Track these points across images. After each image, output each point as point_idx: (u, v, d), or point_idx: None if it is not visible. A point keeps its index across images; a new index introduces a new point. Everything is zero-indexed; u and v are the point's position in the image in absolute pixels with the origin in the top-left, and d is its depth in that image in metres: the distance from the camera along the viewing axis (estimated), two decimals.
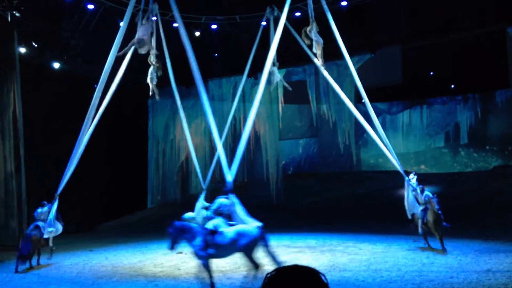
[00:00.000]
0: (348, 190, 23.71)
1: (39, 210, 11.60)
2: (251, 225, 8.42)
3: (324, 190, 23.77)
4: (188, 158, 26.22)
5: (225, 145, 25.92)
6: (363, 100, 12.94)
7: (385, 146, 12.78)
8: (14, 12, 15.31)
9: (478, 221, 16.07)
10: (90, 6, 17.60)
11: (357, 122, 26.05)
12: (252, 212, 20.98)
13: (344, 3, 17.99)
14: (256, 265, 8.03)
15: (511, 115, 23.49)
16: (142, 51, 12.09)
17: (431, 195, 11.57)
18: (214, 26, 19.52)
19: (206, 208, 14.10)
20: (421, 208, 11.72)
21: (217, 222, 8.41)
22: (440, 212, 11.16)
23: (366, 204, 21.06)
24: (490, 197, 19.10)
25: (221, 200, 9.11)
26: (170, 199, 26.08)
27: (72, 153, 11.51)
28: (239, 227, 8.25)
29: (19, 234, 14.72)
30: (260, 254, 8.24)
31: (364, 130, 26.93)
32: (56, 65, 19.03)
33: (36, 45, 17.87)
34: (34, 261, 11.37)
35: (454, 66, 23.44)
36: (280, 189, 24.30)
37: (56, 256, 12.36)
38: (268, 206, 22.63)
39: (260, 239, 8.03)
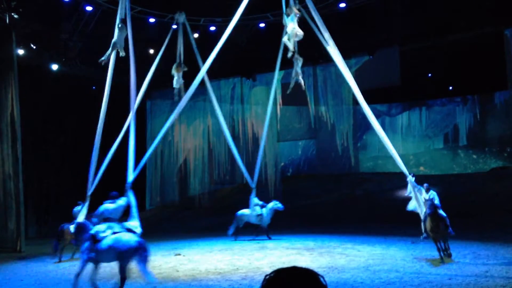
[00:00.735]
0: (347, 192, 23.73)
1: (75, 209, 12.23)
2: (131, 235, 8.25)
3: (322, 192, 23.78)
4: (186, 160, 26.21)
5: (223, 146, 26.00)
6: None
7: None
8: (12, 13, 15.30)
9: (476, 223, 16.08)
10: (89, 8, 17.61)
11: (355, 124, 26.23)
12: None
13: (342, 5, 18.02)
14: (123, 276, 7.97)
15: (510, 116, 23.52)
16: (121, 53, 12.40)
17: (435, 195, 10.82)
18: (212, 28, 19.54)
19: (262, 206, 15.51)
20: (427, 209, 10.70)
21: (101, 227, 8.31)
22: (442, 215, 10.45)
23: (365, 206, 21.07)
24: (489, 199, 19.12)
25: (105, 206, 9.04)
26: (169, 200, 26.06)
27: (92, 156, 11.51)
28: (118, 235, 8.13)
29: (17, 236, 14.69)
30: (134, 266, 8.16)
31: (362, 132, 27.09)
32: (54, 66, 19.02)
33: (34, 47, 17.87)
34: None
35: (453, 68, 23.48)
36: (278, 190, 24.30)
37: (54, 258, 12.33)
38: None
39: (137, 250, 7.94)
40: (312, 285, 1.60)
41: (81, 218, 10.25)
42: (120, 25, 11.84)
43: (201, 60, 14.63)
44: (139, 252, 7.89)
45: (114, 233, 8.07)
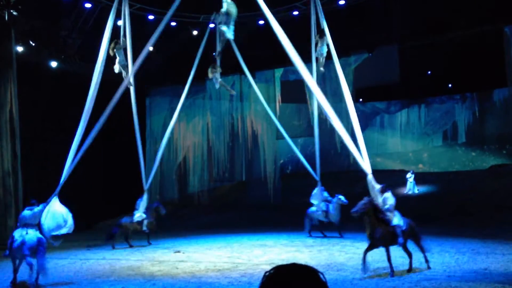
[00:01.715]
0: (346, 189, 23.70)
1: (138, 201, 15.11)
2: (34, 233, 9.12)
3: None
4: (185, 157, 26.20)
5: (223, 144, 25.99)
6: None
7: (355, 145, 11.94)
8: (11, 10, 15.26)
9: (475, 220, 16.11)
10: (88, 5, 17.57)
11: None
12: (251, 211, 21.13)
13: (341, 2, 17.99)
14: (15, 270, 9.02)
15: (509, 114, 23.54)
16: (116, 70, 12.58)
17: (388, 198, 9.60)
18: (211, 25, 19.49)
19: (328, 201, 15.07)
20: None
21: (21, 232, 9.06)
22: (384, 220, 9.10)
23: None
24: (487, 196, 19.15)
25: (24, 212, 9.60)
26: (168, 198, 26.05)
27: (70, 151, 11.67)
28: (25, 235, 9.00)
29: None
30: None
31: (361, 130, 27.04)
32: (53, 64, 18.98)
33: (33, 44, 17.82)
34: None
35: (452, 65, 23.46)
36: (277, 188, 24.31)
37: (53, 255, 12.33)
38: (266, 205, 22.63)
39: (37, 247, 8.85)
40: (312, 282, 1.60)
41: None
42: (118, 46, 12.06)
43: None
44: (39, 248, 8.84)
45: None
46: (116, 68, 13.30)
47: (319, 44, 14.00)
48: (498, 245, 11.56)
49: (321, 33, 13.73)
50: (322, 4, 14.30)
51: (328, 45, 13.39)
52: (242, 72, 23.62)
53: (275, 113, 25.64)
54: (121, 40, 13.32)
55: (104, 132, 13.13)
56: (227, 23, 12.09)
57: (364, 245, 12.60)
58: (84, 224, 20.82)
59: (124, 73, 13.22)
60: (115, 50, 12.97)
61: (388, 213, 9.26)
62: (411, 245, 9.38)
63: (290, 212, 20.39)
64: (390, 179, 22.76)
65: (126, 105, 13.85)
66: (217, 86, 15.44)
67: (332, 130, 26.10)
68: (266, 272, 1.63)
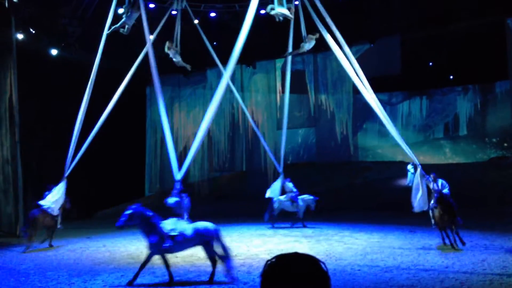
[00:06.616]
0: (346, 180, 23.75)
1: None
2: None
3: (321, 180, 23.79)
4: (186, 147, 26.20)
5: (223, 134, 25.98)
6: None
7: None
8: None
9: (474, 212, 16.12)
10: None
11: (355, 113, 26.17)
12: (250, 201, 21.16)
13: None
14: None
15: (510, 106, 23.50)
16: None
17: (446, 183, 10.59)
18: (213, 14, 19.37)
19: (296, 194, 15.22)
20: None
21: None
22: (452, 202, 10.23)
23: (363, 194, 21.11)
24: (488, 189, 19.17)
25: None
26: (168, 187, 26.06)
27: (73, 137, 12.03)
28: None
29: (16, 220, 14.75)
30: None
31: (362, 121, 27.06)
32: (54, 51, 18.89)
33: (33, 32, 17.72)
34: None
35: (454, 57, 23.37)
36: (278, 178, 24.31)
37: (54, 242, 12.39)
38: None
39: None
40: (314, 271, 1.60)
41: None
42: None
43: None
44: None
45: None
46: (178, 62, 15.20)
47: (306, 40, 13.87)
48: (497, 237, 11.59)
49: (317, 37, 13.46)
50: None
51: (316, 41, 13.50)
52: (243, 62, 23.54)
53: (275, 104, 25.63)
54: (174, 44, 14.89)
55: (105, 121, 13.15)
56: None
57: (363, 235, 12.69)
58: (85, 212, 20.92)
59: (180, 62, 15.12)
60: (170, 50, 14.77)
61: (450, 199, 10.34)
62: None
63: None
64: (390, 170, 22.82)
65: (126, 96, 13.83)
66: (175, 59, 15.36)
67: (332, 121, 26.25)
68: (268, 261, 1.63)
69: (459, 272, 8.17)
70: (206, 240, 8.00)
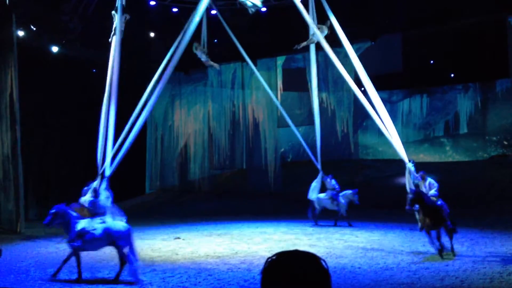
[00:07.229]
0: (346, 178, 23.72)
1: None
2: None
3: None
4: (186, 144, 26.21)
5: (224, 131, 25.96)
6: (362, 89, 12.83)
7: (388, 131, 12.14)
8: None
9: (474, 210, 16.14)
10: None
11: (356, 110, 26.12)
12: (251, 198, 21.11)
13: None
14: None
15: (511, 105, 23.47)
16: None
17: (435, 183, 10.01)
18: (213, 12, 19.35)
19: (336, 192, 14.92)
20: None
21: None
22: (438, 205, 9.46)
23: (364, 192, 21.05)
24: (488, 187, 19.17)
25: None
26: (169, 184, 26.11)
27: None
28: None
29: (17, 217, 14.76)
30: None
31: (363, 119, 27.02)
32: (55, 48, 18.90)
33: (34, 29, 17.71)
34: None
35: (455, 55, 23.33)
36: (278, 176, 24.33)
37: (54, 239, 12.41)
38: (266, 193, 22.70)
39: None
40: (314, 269, 1.60)
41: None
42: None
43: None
44: None
45: None
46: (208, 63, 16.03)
47: (317, 30, 13.81)
48: (497, 235, 11.61)
49: (328, 26, 13.65)
50: None
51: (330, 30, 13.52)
52: (244, 60, 23.53)
53: (276, 101, 25.59)
54: (201, 45, 15.58)
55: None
56: None
57: (363, 233, 12.70)
58: None
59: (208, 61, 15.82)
60: (197, 50, 15.42)
61: (434, 198, 9.71)
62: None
63: (290, 200, 20.48)
64: (391, 168, 22.80)
65: (127, 93, 13.83)
66: (203, 59, 16.00)
67: (333, 119, 26.22)
68: (268, 258, 1.63)
69: (459, 270, 8.18)
70: (115, 240, 8.28)
